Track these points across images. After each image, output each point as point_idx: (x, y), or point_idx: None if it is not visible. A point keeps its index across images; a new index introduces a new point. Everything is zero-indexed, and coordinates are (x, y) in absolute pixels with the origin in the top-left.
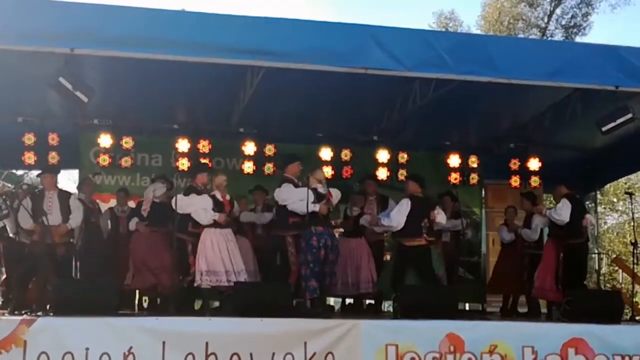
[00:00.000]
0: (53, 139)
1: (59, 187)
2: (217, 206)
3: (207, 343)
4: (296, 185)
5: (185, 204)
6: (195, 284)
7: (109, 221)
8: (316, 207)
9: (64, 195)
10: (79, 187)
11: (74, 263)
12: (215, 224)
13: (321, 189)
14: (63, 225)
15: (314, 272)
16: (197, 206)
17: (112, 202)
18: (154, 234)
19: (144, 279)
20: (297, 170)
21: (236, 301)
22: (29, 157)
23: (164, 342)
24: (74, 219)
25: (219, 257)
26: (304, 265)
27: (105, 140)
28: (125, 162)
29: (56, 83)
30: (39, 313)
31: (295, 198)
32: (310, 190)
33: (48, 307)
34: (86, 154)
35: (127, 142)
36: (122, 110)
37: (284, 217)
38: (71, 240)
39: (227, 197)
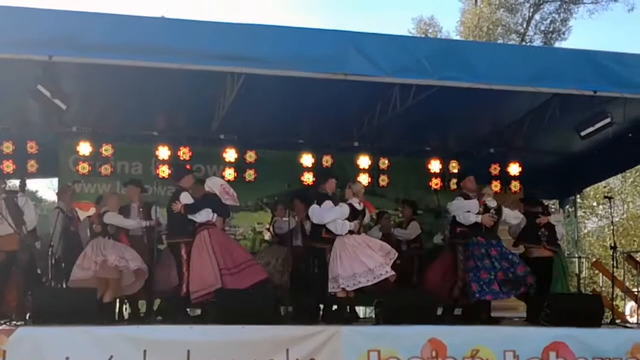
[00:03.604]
0: (32, 147)
1: (5, 191)
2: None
3: (188, 351)
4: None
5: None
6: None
7: (88, 230)
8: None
9: (11, 198)
10: (58, 195)
11: (49, 267)
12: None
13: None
14: (15, 235)
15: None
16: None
17: (92, 211)
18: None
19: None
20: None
21: (219, 309)
22: (8, 166)
23: (144, 351)
24: (27, 220)
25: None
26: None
27: (84, 148)
28: (105, 170)
29: (34, 91)
30: (19, 323)
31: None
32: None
33: (27, 316)
34: (65, 162)
35: (107, 150)
36: (101, 117)
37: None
38: (35, 244)
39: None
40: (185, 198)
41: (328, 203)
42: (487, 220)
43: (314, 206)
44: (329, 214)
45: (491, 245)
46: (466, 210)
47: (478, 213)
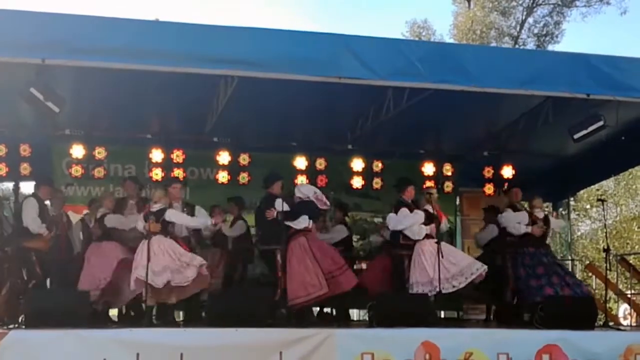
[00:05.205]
0: (25, 149)
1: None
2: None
3: (181, 354)
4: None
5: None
6: None
7: (80, 232)
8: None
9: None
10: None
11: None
12: None
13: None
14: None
15: None
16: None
17: (85, 214)
18: None
19: None
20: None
21: (212, 310)
22: (0, 169)
23: (138, 354)
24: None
25: None
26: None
27: (77, 150)
28: (98, 172)
29: (27, 94)
30: (11, 326)
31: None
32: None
33: (20, 319)
34: (58, 165)
35: (100, 153)
36: (94, 120)
37: None
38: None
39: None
40: (280, 205)
41: (404, 210)
42: (537, 231)
43: (391, 214)
44: (405, 221)
45: (541, 254)
46: (517, 222)
47: (527, 224)
